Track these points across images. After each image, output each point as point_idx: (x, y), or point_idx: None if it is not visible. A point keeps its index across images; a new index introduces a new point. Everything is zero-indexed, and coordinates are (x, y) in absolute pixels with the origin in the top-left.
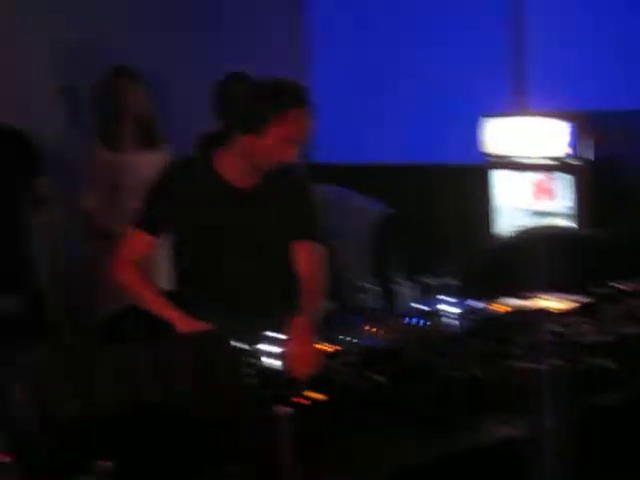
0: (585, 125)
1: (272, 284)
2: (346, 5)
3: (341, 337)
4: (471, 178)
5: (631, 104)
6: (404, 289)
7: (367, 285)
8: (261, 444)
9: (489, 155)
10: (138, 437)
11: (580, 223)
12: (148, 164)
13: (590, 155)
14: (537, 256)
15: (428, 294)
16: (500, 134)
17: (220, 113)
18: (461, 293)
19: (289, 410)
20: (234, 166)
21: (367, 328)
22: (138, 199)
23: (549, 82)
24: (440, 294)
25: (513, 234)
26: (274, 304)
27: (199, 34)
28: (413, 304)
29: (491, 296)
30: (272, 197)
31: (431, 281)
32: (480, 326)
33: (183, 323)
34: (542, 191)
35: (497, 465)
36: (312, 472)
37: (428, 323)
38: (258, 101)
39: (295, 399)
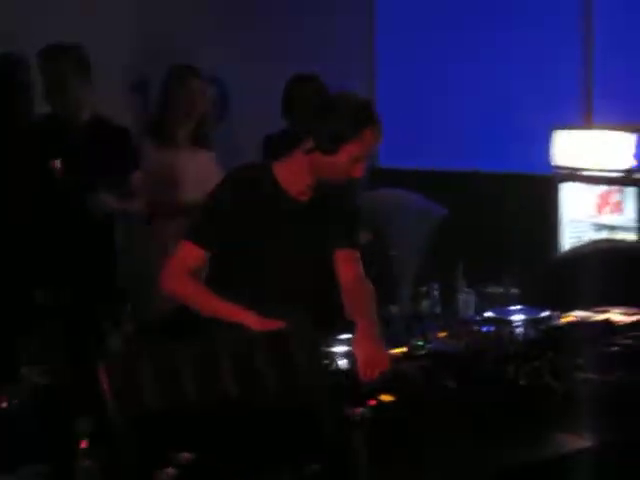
0: None
1: (326, 297)
2: (414, 13)
3: (414, 342)
4: (536, 189)
5: None
6: (465, 296)
7: (428, 290)
8: (336, 444)
9: (558, 167)
10: (219, 431)
11: None
12: (201, 163)
13: None
14: (596, 269)
15: (488, 302)
16: (568, 147)
17: (287, 114)
18: (522, 302)
19: (361, 411)
20: (297, 180)
21: (438, 333)
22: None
23: (615, 96)
24: (501, 303)
25: (573, 247)
26: (328, 316)
27: (263, 33)
28: (486, 312)
29: (553, 307)
30: (323, 210)
31: (492, 289)
32: (546, 336)
33: (258, 323)
34: (606, 204)
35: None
36: (384, 473)
37: (497, 331)
38: (332, 121)
39: (366, 401)
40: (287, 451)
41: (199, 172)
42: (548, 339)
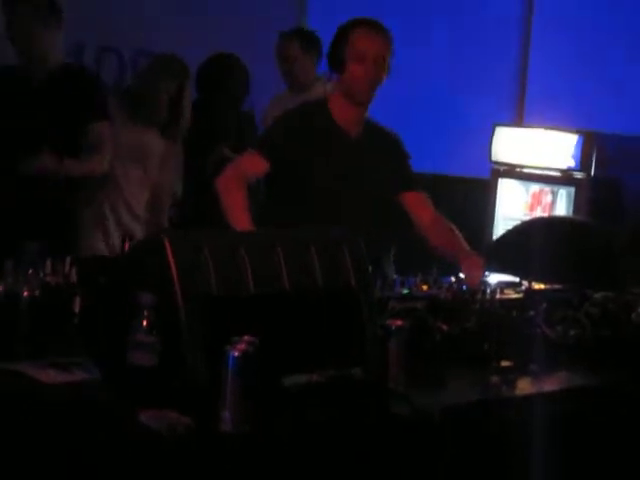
0: (588, 142)
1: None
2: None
3: (400, 290)
4: (474, 189)
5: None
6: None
7: None
8: (376, 351)
9: (496, 163)
10: (274, 322)
11: None
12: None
13: (591, 172)
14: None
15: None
16: (508, 144)
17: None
18: None
19: (399, 323)
20: (344, 110)
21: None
22: None
23: (546, 101)
24: None
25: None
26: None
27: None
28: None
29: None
30: (376, 148)
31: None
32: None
33: None
34: (538, 204)
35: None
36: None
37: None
38: (332, 47)
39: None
40: (333, 351)
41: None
42: (530, 299)
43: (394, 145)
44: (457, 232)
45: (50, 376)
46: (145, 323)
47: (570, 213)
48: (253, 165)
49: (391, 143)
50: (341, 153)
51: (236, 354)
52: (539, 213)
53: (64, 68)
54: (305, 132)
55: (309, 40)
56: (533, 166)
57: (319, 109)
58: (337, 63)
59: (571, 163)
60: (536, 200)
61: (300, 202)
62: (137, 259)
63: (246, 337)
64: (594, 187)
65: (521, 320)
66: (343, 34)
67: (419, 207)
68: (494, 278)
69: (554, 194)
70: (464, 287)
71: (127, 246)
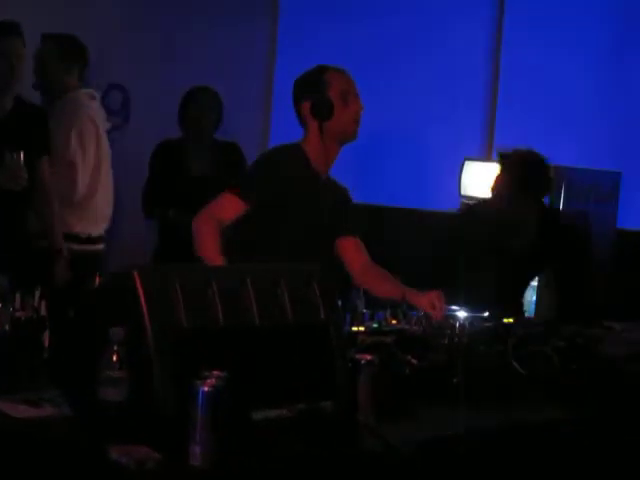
0: (556, 176)
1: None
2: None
3: (369, 324)
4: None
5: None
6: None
7: None
8: (346, 384)
9: (465, 197)
10: (243, 356)
11: None
12: None
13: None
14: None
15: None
16: (477, 178)
17: (182, 125)
18: None
19: (369, 358)
20: (327, 154)
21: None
22: None
23: (520, 137)
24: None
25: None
26: None
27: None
28: None
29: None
30: (333, 192)
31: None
32: (498, 329)
33: None
34: None
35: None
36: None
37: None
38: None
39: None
40: (303, 385)
41: None
42: (500, 331)
43: (344, 190)
44: (391, 276)
45: (20, 411)
46: (114, 358)
47: None
48: (231, 208)
49: (342, 188)
50: (315, 197)
51: (206, 389)
52: None
53: (17, 102)
54: (284, 178)
55: (68, 47)
56: None
57: (297, 154)
58: (324, 108)
59: None
60: None
61: (272, 241)
62: (107, 293)
63: (216, 372)
64: (562, 219)
65: (490, 354)
66: (317, 80)
67: (351, 252)
68: (462, 312)
69: None
70: (433, 321)
71: (98, 279)
